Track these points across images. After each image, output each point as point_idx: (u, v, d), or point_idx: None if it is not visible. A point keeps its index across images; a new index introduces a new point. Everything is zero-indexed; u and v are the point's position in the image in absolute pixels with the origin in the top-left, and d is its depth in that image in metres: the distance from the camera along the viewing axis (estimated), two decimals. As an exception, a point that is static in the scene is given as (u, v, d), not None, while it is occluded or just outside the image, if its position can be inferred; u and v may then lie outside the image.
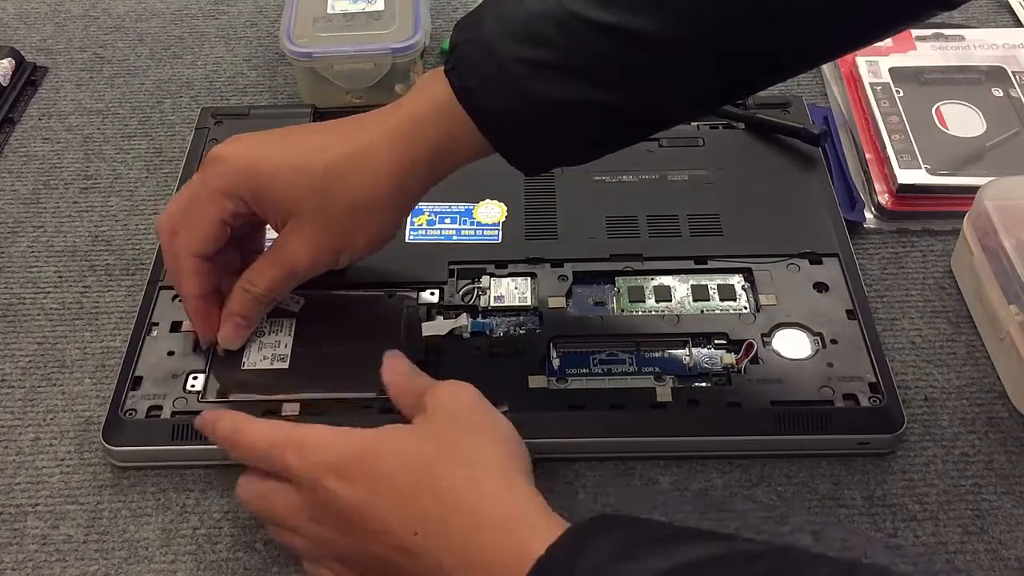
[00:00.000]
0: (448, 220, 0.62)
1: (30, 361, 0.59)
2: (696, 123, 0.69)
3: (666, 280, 0.59)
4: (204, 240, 0.51)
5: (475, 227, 0.62)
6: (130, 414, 0.53)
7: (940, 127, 0.68)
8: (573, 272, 0.59)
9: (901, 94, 0.70)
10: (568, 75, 0.45)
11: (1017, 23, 0.80)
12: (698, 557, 0.36)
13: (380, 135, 0.48)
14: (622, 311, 0.58)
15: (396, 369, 0.51)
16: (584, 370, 0.55)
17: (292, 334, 0.56)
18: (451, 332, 0.56)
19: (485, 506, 0.41)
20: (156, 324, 0.57)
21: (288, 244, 0.50)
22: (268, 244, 0.54)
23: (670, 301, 0.58)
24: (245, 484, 0.47)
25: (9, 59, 0.77)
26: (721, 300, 0.58)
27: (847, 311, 0.57)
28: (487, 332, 0.57)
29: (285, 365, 0.55)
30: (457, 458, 0.43)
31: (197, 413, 0.52)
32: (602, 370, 0.55)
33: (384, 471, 0.42)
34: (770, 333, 0.56)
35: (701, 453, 0.53)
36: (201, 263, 0.51)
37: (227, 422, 0.47)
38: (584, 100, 0.45)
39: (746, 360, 0.54)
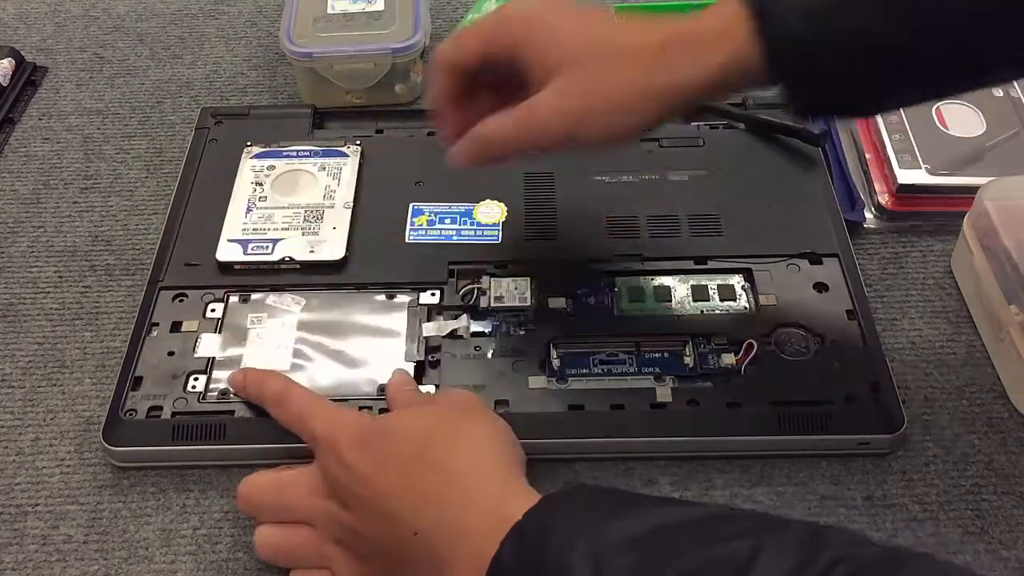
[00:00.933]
0: (448, 220, 0.62)
1: (30, 361, 0.59)
2: (696, 123, 0.69)
3: (666, 280, 0.59)
4: (460, 57, 0.50)
5: (475, 227, 0.62)
6: (130, 414, 0.53)
7: (940, 127, 0.68)
8: (573, 272, 0.59)
9: (901, 94, 0.70)
10: (883, 15, 0.42)
11: (1017, 23, 0.80)
12: (672, 520, 0.37)
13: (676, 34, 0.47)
14: (622, 311, 0.58)
15: (402, 384, 0.53)
16: (584, 370, 0.55)
17: (292, 335, 0.56)
18: (451, 332, 0.56)
19: (481, 482, 0.43)
20: (156, 324, 0.57)
21: (538, 100, 0.48)
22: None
23: (670, 301, 0.58)
24: (258, 477, 0.49)
25: (9, 59, 0.77)
26: (721, 300, 0.58)
27: (847, 311, 0.57)
28: (487, 332, 0.57)
29: (286, 366, 0.55)
30: (457, 437, 0.45)
31: (197, 413, 0.53)
32: (602, 370, 0.55)
33: (393, 446, 0.45)
34: (770, 333, 0.56)
35: (701, 453, 0.53)
36: (453, 72, 0.51)
37: (279, 382, 0.52)
38: (892, 44, 0.43)
39: (746, 360, 0.54)
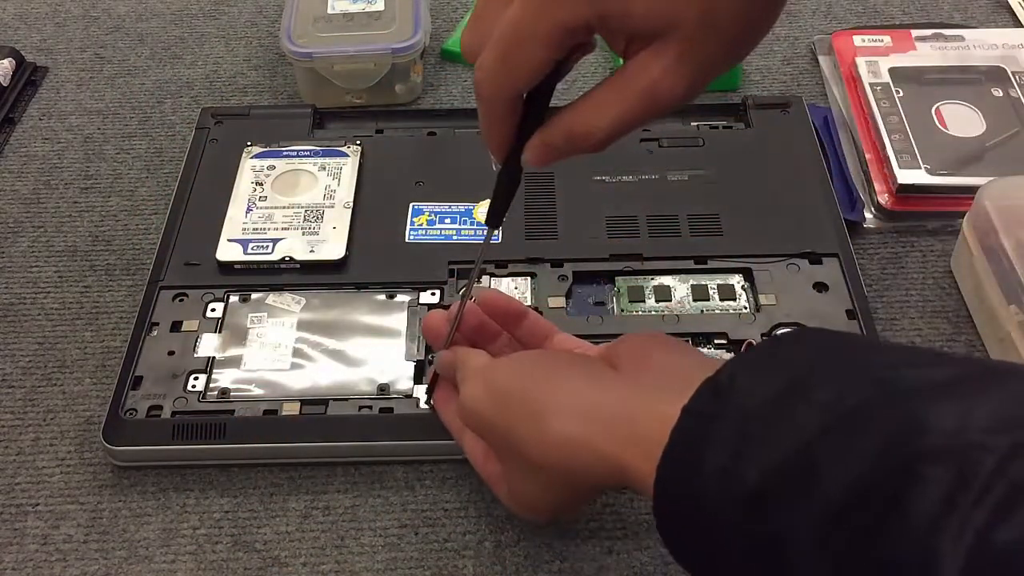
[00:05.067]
0: (448, 220, 0.62)
1: (30, 361, 0.59)
2: (696, 123, 0.69)
3: (666, 280, 0.59)
4: (527, 84, 0.41)
5: (475, 227, 0.62)
6: (130, 414, 0.53)
7: (940, 127, 0.68)
8: (573, 272, 0.59)
9: (901, 94, 0.70)
10: None
11: (1017, 23, 0.80)
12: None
13: None
14: (622, 311, 0.58)
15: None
16: (584, 370, 0.55)
17: (292, 334, 0.56)
18: (451, 332, 0.56)
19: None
20: (156, 324, 0.57)
21: (647, 68, 0.38)
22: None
23: (670, 301, 0.58)
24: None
25: (9, 59, 0.77)
26: (721, 300, 0.58)
27: (847, 311, 0.57)
28: (487, 332, 0.56)
29: (286, 365, 0.55)
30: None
31: (197, 413, 0.53)
32: (602, 370, 0.55)
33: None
34: (770, 333, 0.56)
35: (701, 453, 0.53)
36: (517, 103, 0.42)
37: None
38: None
39: (746, 360, 0.54)
